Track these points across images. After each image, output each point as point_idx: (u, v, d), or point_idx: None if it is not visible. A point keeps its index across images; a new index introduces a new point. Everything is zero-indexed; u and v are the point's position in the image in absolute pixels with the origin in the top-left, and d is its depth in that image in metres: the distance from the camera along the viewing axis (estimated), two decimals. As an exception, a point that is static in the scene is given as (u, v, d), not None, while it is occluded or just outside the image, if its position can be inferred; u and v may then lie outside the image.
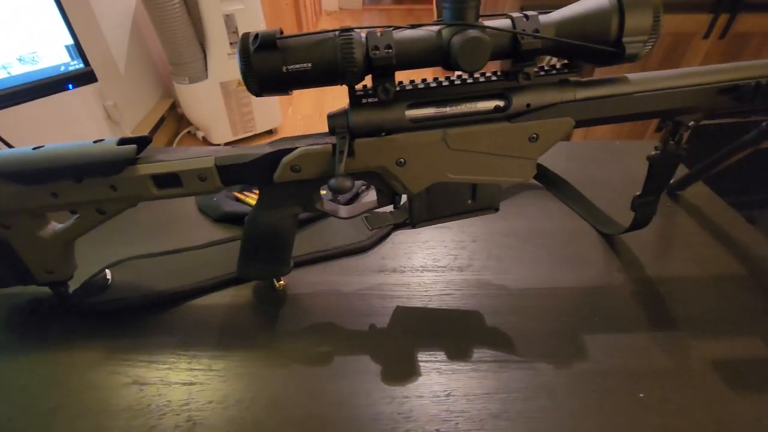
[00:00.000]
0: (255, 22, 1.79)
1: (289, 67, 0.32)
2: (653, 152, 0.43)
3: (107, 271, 0.46)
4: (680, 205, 0.59)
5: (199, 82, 1.85)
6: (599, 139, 1.60)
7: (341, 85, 0.34)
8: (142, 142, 0.37)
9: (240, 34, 0.31)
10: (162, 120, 2.02)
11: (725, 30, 1.32)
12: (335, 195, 0.41)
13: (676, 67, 0.37)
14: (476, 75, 0.36)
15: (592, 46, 0.33)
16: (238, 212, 0.54)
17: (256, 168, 0.38)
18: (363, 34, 0.32)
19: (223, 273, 0.46)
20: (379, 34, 0.32)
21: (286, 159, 0.37)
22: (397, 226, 0.54)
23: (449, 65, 0.33)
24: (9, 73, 0.57)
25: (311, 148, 0.37)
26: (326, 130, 0.38)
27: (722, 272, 0.48)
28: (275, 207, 0.40)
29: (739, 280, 0.48)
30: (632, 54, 0.32)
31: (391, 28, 0.32)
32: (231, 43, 1.78)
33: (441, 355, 0.40)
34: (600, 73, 0.38)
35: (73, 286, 0.45)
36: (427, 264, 0.50)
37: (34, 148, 0.36)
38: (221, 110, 1.94)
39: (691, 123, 0.98)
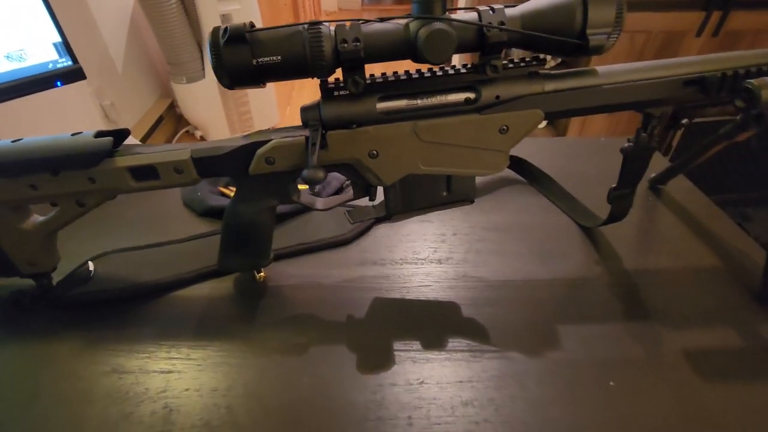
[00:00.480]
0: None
1: (259, 60, 0.33)
2: (626, 144, 0.43)
3: (90, 263, 0.47)
4: (661, 199, 0.59)
5: (197, 82, 1.86)
6: (585, 137, 1.61)
7: (312, 78, 0.35)
8: (119, 135, 0.38)
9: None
10: (160, 119, 2.03)
11: (718, 28, 1.32)
12: (311, 187, 0.42)
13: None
14: (446, 68, 0.37)
15: (557, 39, 0.33)
16: (223, 206, 0.54)
17: (231, 160, 0.38)
18: (332, 28, 0.33)
19: (205, 266, 0.47)
20: (347, 27, 0.33)
21: (260, 151, 0.38)
22: (379, 220, 0.55)
23: (417, 58, 0.33)
24: (-3, 70, 0.58)
25: (285, 140, 0.37)
26: None
27: (698, 265, 0.49)
28: (252, 199, 0.41)
29: (715, 273, 0.48)
30: (596, 46, 0.33)
31: (360, 22, 0.33)
32: (227, 43, 1.79)
33: (416, 345, 0.41)
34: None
35: (57, 278, 0.45)
36: (407, 257, 0.50)
37: (13, 141, 0.36)
38: (219, 110, 1.96)
39: (684, 120, 0.97)
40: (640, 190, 0.60)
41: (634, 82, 0.37)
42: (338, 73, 0.36)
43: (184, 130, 2.11)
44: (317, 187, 0.55)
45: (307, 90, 2.61)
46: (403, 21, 0.33)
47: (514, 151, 0.63)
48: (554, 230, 0.54)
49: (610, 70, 0.37)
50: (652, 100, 0.38)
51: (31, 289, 0.44)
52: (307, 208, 0.53)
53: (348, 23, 0.33)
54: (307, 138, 0.37)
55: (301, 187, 0.43)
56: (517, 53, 0.41)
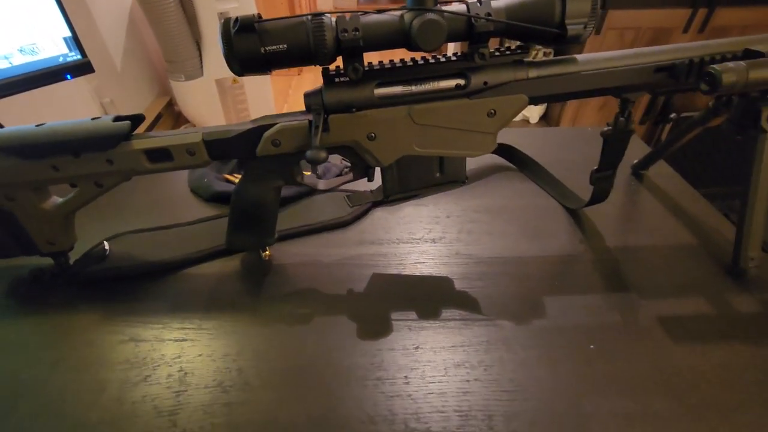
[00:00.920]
0: (249, 19, 1.82)
1: (267, 48, 0.35)
2: (606, 129, 0.47)
3: (105, 242, 0.49)
4: (643, 184, 0.63)
5: (195, 80, 1.88)
6: (575, 127, 1.66)
7: (315, 65, 0.38)
8: (136, 120, 0.41)
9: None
10: (159, 117, 2.06)
11: (704, 24, 1.36)
12: (314, 167, 0.45)
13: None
14: (439, 56, 0.40)
15: (538, 28, 0.36)
16: (228, 192, 0.57)
17: (240, 142, 0.41)
18: (333, 19, 0.36)
19: (213, 245, 0.49)
20: (347, 18, 0.36)
21: (267, 134, 0.41)
22: (376, 204, 0.58)
23: (411, 46, 0.36)
24: (11, 63, 0.60)
25: (290, 123, 0.40)
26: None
27: (675, 242, 0.52)
28: (258, 180, 0.44)
29: (691, 249, 0.51)
30: (574, 35, 0.36)
31: (359, 13, 0.36)
32: (225, 41, 1.81)
33: (412, 315, 0.44)
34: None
35: (73, 258, 0.48)
36: (403, 237, 0.53)
37: (37, 126, 0.39)
38: (217, 107, 1.98)
39: (672, 115, 1.01)
40: (622, 175, 0.64)
41: (610, 68, 0.40)
42: (339, 62, 0.39)
43: (182, 127, 2.13)
44: (319, 170, 0.58)
45: (304, 88, 2.64)
46: (398, 12, 0.36)
47: (505, 139, 0.67)
48: (542, 212, 0.57)
49: (588, 58, 0.41)
50: (627, 85, 0.41)
51: (50, 267, 0.47)
52: (310, 191, 0.57)
53: (348, 14, 0.36)
54: (310, 121, 0.40)
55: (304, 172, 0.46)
56: (506, 43, 0.44)
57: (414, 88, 0.40)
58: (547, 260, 0.50)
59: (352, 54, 0.37)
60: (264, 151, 0.41)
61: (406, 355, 0.40)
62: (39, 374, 0.39)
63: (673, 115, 0.97)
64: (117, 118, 0.40)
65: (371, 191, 0.58)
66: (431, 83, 0.40)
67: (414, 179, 0.45)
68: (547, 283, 0.47)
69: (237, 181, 0.60)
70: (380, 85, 0.40)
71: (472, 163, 0.65)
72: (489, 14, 0.36)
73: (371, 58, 0.40)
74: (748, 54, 0.39)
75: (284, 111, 0.43)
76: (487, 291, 0.46)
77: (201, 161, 0.42)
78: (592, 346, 0.41)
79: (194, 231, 0.53)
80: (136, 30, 1.95)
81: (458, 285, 0.47)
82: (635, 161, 0.64)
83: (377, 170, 0.45)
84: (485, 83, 0.40)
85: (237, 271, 0.49)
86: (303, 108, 0.41)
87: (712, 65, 0.37)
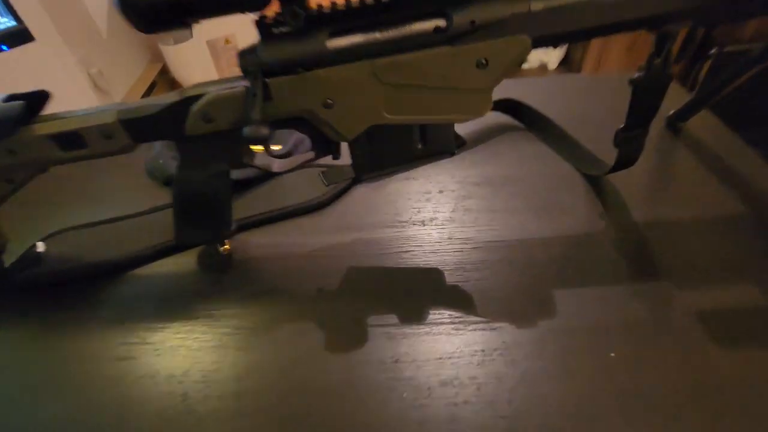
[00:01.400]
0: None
1: (172, -6, 0.26)
2: (636, 75, 0.36)
3: (39, 243, 0.43)
4: (681, 139, 0.52)
5: (185, 42, 1.77)
6: (598, 75, 1.47)
7: (245, 12, 0.28)
8: (36, 99, 0.33)
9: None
10: (153, 85, 1.97)
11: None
12: (266, 147, 0.36)
13: None
14: (408, -10, 0.30)
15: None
16: (187, 174, 0.50)
17: (164, 120, 0.33)
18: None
19: (163, 241, 0.43)
20: None
21: (194, 107, 0.32)
22: (358, 180, 0.49)
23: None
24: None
25: (221, 92, 0.32)
26: None
27: (719, 213, 0.43)
28: (198, 165, 0.36)
29: (738, 220, 0.42)
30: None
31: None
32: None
33: (392, 319, 0.37)
34: None
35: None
36: (387, 219, 0.45)
37: None
38: (211, 71, 1.87)
39: (713, 50, 0.86)
40: (656, 129, 0.53)
41: None
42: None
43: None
44: (290, 144, 0.49)
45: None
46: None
47: (511, 92, 0.57)
48: (553, 182, 0.48)
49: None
50: (671, 12, 0.30)
51: (-19, 273, 0.41)
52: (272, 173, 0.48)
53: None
54: (247, 88, 0.31)
55: (256, 148, 0.38)
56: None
57: (379, 35, 0.30)
58: (560, 242, 0.42)
59: None
60: (195, 129, 0.33)
61: (382, 371, 0.33)
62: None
63: (713, 50, 0.82)
64: (9, 98, 0.32)
65: (351, 165, 0.50)
66: (401, 27, 0.30)
67: (390, 154, 0.37)
68: (558, 272, 0.39)
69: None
70: (334, 34, 0.30)
71: (470, 124, 0.55)
72: None
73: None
74: None
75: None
76: (484, 284, 0.38)
77: (122, 145, 0.34)
78: (612, 354, 0.33)
79: (147, 222, 0.46)
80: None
81: (449, 278, 0.39)
82: (671, 111, 0.53)
83: (345, 144, 0.36)
84: (473, 22, 0.30)
85: (191, 269, 0.42)
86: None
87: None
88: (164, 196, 0.50)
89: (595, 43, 1.63)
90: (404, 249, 0.42)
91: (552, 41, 0.32)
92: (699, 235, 0.41)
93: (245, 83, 0.32)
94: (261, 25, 0.30)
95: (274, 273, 0.41)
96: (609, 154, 0.43)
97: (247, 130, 0.29)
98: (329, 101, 0.32)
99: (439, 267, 0.40)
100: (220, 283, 0.41)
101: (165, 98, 0.33)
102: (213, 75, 1.88)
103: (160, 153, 0.52)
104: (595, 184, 0.47)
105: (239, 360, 0.35)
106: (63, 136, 0.33)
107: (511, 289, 0.38)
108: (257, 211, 0.45)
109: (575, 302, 0.36)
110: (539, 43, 0.31)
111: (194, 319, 0.38)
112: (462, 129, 0.55)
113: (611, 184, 0.47)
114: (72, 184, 0.52)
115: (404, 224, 0.45)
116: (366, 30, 0.30)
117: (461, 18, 0.30)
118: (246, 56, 0.31)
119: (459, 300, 0.38)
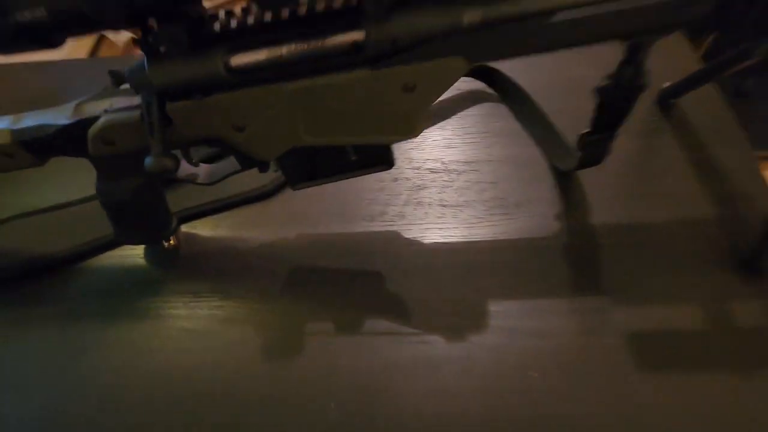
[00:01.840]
0: None
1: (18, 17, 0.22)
2: (603, 83, 0.31)
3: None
4: (671, 119, 0.46)
5: None
6: None
7: (104, 30, 0.24)
8: None
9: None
10: None
11: None
12: (188, 159, 0.33)
13: None
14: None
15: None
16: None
17: (65, 141, 0.30)
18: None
19: (105, 234, 0.42)
20: None
21: (92, 132, 0.29)
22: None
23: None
24: None
25: (116, 118, 0.28)
26: None
27: (694, 215, 0.39)
28: (115, 178, 0.34)
29: (706, 225, 0.39)
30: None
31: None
32: None
33: (328, 326, 0.37)
34: None
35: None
36: (334, 212, 0.44)
37: None
38: None
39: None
40: (645, 104, 0.47)
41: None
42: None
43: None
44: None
45: None
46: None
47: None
48: (518, 170, 0.44)
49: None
50: (643, 28, 0.25)
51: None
52: (219, 154, 0.45)
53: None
54: (142, 114, 0.28)
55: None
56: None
57: (285, 52, 0.26)
58: (506, 246, 0.40)
59: (169, 6, 0.23)
60: (98, 152, 0.30)
61: (312, 382, 0.35)
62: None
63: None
64: None
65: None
66: (312, 41, 0.25)
67: (322, 165, 0.34)
68: (499, 283, 0.38)
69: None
70: (232, 50, 0.26)
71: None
72: None
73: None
74: None
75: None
76: (422, 293, 0.38)
77: (29, 163, 0.32)
78: (534, 374, 0.34)
79: (98, 209, 0.45)
80: None
81: (390, 284, 0.39)
82: (666, 84, 0.46)
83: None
84: (394, 42, 0.25)
85: (137, 264, 0.42)
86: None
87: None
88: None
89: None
90: (349, 249, 0.41)
91: (494, 58, 0.26)
92: (661, 242, 0.39)
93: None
94: (144, 41, 0.25)
95: (217, 271, 0.41)
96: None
97: (149, 162, 0.27)
98: (239, 125, 0.29)
99: (381, 271, 0.40)
100: (162, 283, 0.40)
101: (61, 114, 0.30)
102: None
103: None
104: (563, 174, 0.44)
105: (176, 368, 0.36)
106: (-39, 155, 0.31)
107: (446, 299, 0.38)
108: (201, 201, 0.44)
109: (510, 316, 0.36)
110: (480, 61, 0.26)
111: (141, 320, 0.39)
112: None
113: (580, 179, 0.43)
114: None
115: (351, 219, 0.43)
116: (270, 45, 0.25)
117: (380, 34, 0.25)
118: (135, 76, 0.27)
119: (396, 310, 0.38)
